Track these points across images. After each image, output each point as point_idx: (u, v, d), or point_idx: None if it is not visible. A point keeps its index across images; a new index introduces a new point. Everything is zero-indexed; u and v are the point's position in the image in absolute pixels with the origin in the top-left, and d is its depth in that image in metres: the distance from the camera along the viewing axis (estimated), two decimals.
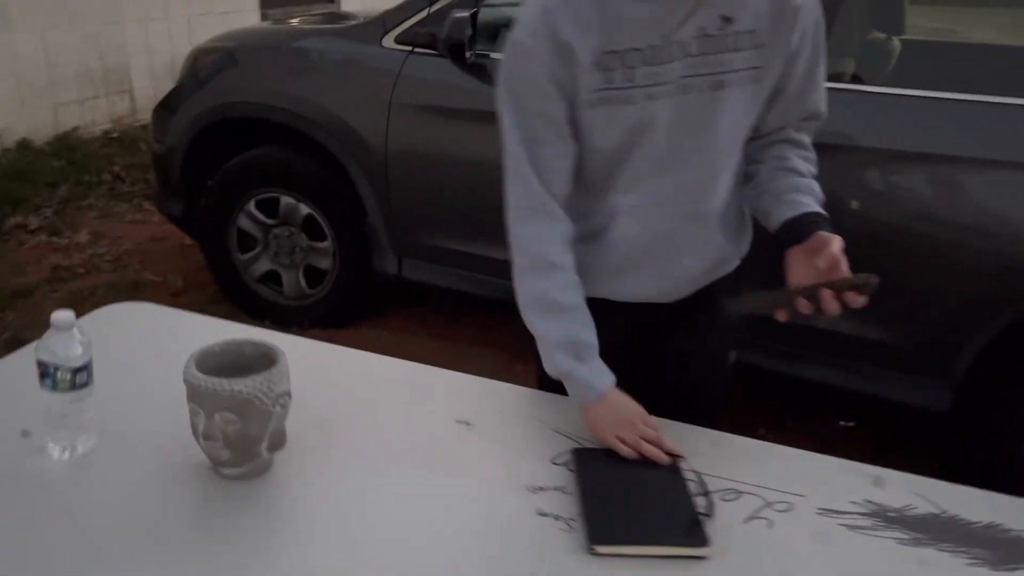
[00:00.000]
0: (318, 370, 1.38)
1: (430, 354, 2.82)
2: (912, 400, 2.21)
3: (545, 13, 1.14)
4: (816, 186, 1.30)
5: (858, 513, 1.14)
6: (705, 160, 1.26)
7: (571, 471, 1.16)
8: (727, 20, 1.16)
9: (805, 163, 1.32)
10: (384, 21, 2.72)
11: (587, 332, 1.25)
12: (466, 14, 2.43)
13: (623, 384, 1.26)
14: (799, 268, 1.21)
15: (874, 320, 2.14)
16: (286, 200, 2.93)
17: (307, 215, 2.92)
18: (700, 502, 1.12)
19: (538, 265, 1.25)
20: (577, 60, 1.14)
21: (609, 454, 1.19)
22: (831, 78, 2.06)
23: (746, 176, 1.35)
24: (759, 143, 1.34)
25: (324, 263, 2.97)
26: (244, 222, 3.01)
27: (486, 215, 2.64)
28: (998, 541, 1.09)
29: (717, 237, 1.35)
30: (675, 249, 1.32)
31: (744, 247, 1.43)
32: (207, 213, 3.05)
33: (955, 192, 2.07)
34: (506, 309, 2.99)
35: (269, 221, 2.99)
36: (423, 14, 2.63)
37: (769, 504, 1.14)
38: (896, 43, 2.80)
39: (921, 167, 2.09)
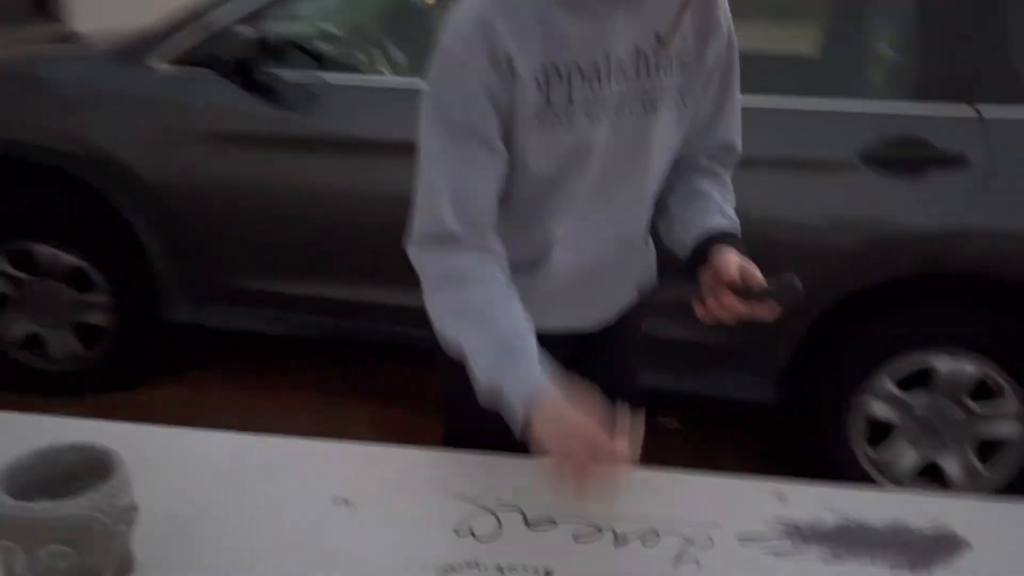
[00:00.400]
0: (149, 464, 1.14)
1: (244, 411, 2.56)
2: (740, 395, 2.29)
3: (482, 23, 1.03)
4: (728, 209, 1.24)
5: (775, 536, 1.10)
6: (636, 186, 1.20)
7: None
8: (659, 39, 1.10)
9: (719, 189, 1.26)
10: (147, 40, 2.41)
11: (516, 326, 1.10)
12: (251, 31, 2.20)
13: None
14: (711, 288, 1.15)
15: (696, 321, 2.19)
16: (41, 250, 2.51)
17: (70, 264, 2.53)
18: None
19: (449, 278, 1.12)
20: (517, 75, 1.05)
21: None
22: None
23: (658, 208, 1.28)
24: (672, 173, 1.26)
25: (98, 318, 2.59)
26: None
27: (292, 248, 2.46)
28: (907, 543, 1.10)
29: (643, 262, 1.34)
30: (609, 276, 1.28)
31: (652, 270, 1.39)
32: None
33: (764, 193, 2.15)
34: (323, 350, 2.79)
35: (22, 275, 2.56)
36: (197, 31, 2.35)
37: (690, 541, 1.07)
38: None
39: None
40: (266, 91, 2.33)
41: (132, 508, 0.87)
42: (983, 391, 2.19)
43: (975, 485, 2.25)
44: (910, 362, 2.20)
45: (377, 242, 2.36)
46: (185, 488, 1.10)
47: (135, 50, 2.41)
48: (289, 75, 2.35)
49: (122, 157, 2.37)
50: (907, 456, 2.28)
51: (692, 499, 1.16)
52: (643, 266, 1.35)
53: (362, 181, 2.34)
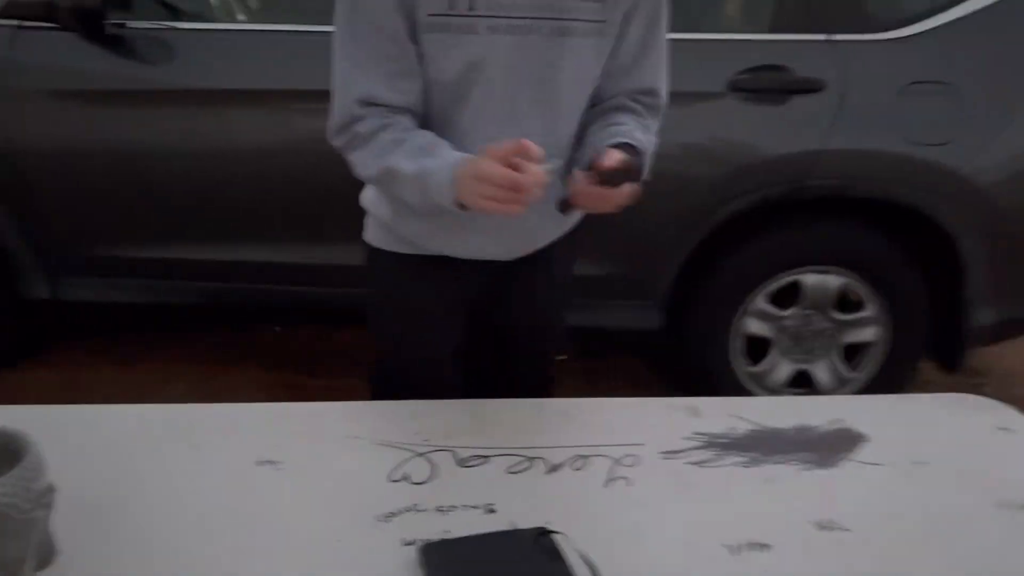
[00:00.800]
0: (55, 445, 1.06)
1: (119, 386, 2.42)
2: (629, 324, 2.36)
3: None
4: (638, 134, 1.22)
5: (694, 448, 1.15)
6: (548, 113, 1.18)
7: (421, 573, 0.89)
8: None
9: (635, 121, 1.25)
10: None
11: (430, 137, 1.15)
12: None
13: (467, 346, 1.23)
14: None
15: (584, 255, 2.24)
16: None
17: None
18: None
19: (366, 137, 1.14)
20: None
21: (465, 546, 0.92)
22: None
23: (577, 145, 1.27)
24: (592, 111, 1.26)
25: None
26: None
27: (156, 211, 2.31)
28: (813, 440, 1.18)
29: (560, 195, 1.29)
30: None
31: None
32: None
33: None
34: (197, 315, 2.65)
35: None
36: None
37: (617, 461, 1.11)
38: None
39: None
40: (113, 43, 2.16)
41: (49, 491, 0.81)
42: (846, 302, 2.36)
43: (842, 389, 2.43)
44: (780, 280, 2.33)
45: (244, 199, 2.27)
46: (99, 467, 1.04)
47: None
48: (137, 24, 2.19)
49: None
50: (782, 367, 2.43)
51: (612, 423, 1.20)
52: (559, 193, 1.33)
53: (224, 135, 2.22)
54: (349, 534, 0.95)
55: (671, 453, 1.13)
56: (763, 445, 1.16)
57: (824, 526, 1.00)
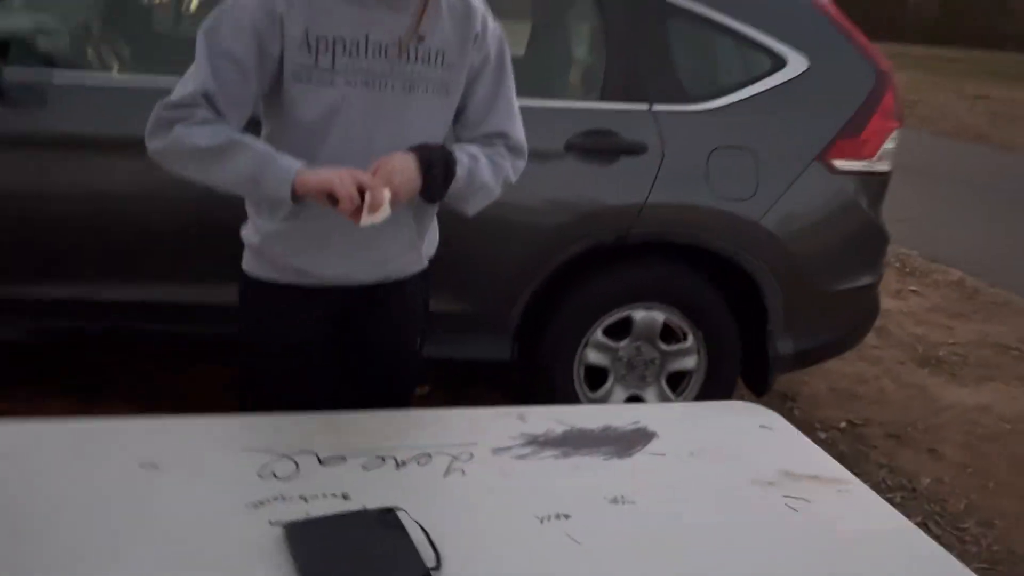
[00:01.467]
0: None
1: None
2: (483, 355, 2.61)
3: None
4: (472, 148, 1.49)
5: (519, 445, 1.40)
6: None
7: (286, 547, 1.06)
8: (421, 38, 1.40)
9: (482, 148, 1.51)
10: None
11: (264, 144, 1.37)
12: None
13: (320, 374, 1.42)
14: None
15: (442, 293, 2.48)
16: None
17: None
18: (428, 556, 1.07)
19: (203, 120, 1.35)
20: (287, 34, 1.34)
21: (323, 524, 1.11)
22: None
23: None
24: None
25: None
26: None
27: (21, 250, 2.38)
28: (615, 437, 1.45)
29: (409, 225, 1.53)
30: (367, 230, 1.37)
31: (432, 248, 1.64)
32: None
33: None
34: (64, 347, 2.70)
35: None
36: None
37: (455, 458, 1.34)
38: None
39: None
40: None
41: None
42: (669, 333, 2.70)
43: None
44: (615, 315, 2.65)
45: (107, 240, 2.39)
46: None
47: None
48: (11, 71, 2.29)
49: None
50: (617, 393, 2.73)
51: (452, 428, 1.44)
52: (415, 233, 1.56)
53: (90, 179, 2.34)
54: (224, 519, 1.13)
55: (499, 450, 1.38)
56: (574, 441, 1.42)
57: (616, 500, 1.26)
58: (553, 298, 2.62)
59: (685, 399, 2.75)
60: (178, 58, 3.76)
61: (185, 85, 1.36)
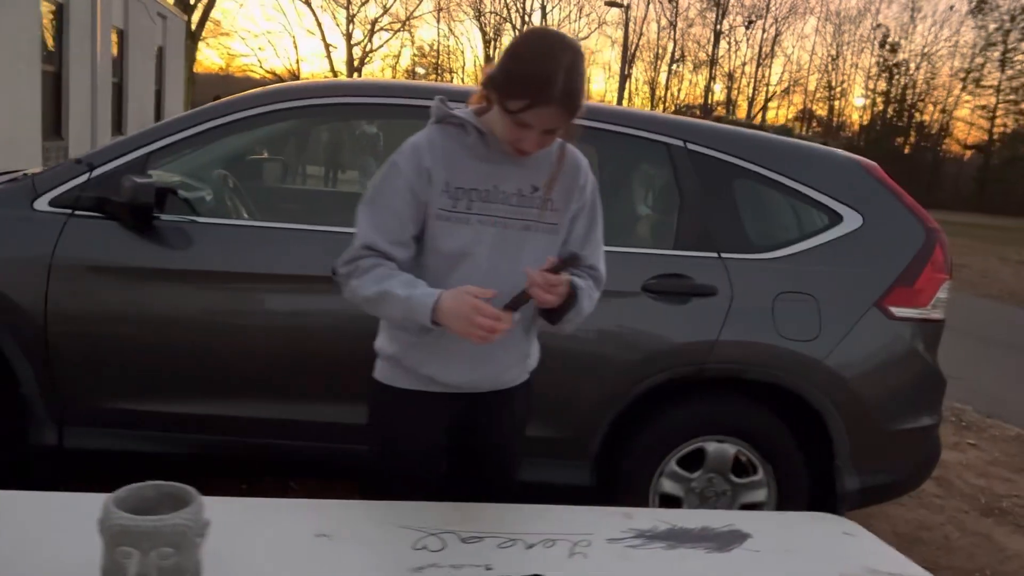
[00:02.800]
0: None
1: None
2: (564, 480, 2.79)
3: (415, 148, 1.70)
4: (586, 279, 1.80)
5: (629, 537, 1.58)
6: (515, 280, 1.66)
7: None
8: (535, 188, 1.73)
9: (584, 282, 1.81)
10: (34, 185, 2.63)
11: (412, 278, 1.68)
12: (148, 180, 2.52)
13: (436, 473, 1.69)
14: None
15: (532, 421, 2.71)
16: None
17: None
18: None
19: (365, 269, 1.68)
20: (433, 183, 1.68)
21: None
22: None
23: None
24: None
25: None
26: None
27: (165, 369, 2.67)
28: (712, 536, 1.62)
29: (521, 341, 1.83)
30: (495, 346, 1.67)
31: (535, 362, 1.93)
32: None
33: None
34: (190, 464, 2.95)
35: None
36: (83, 178, 2.62)
37: (576, 544, 1.53)
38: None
39: None
40: (145, 230, 2.62)
41: (207, 523, 1.19)
42: (740, 467, 2.86)
43: None
44: (688, 446, 2.83)
45: (240, 362, 2.67)
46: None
47: (19, 194, 2.62)
48: (166, 217, 2.67)
49: (2, 289, 2.53)
50: None
51: (569, 521, 1.63)
52: (525, 345, 1.86)
53: (230, 307, 2.66)
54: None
55: (613, 540, 1.56)
56: (678, 537, 1.60)
57: None
58: (631, 429, 2.81)
59: None
60: (291, 207, 4.25)
61: (353, 242, 1.71)
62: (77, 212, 2.61)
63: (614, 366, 2.74)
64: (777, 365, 2.77)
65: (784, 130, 4.22)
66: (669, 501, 2.85)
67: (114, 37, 14.42)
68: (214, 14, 32.99)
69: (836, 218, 2.90)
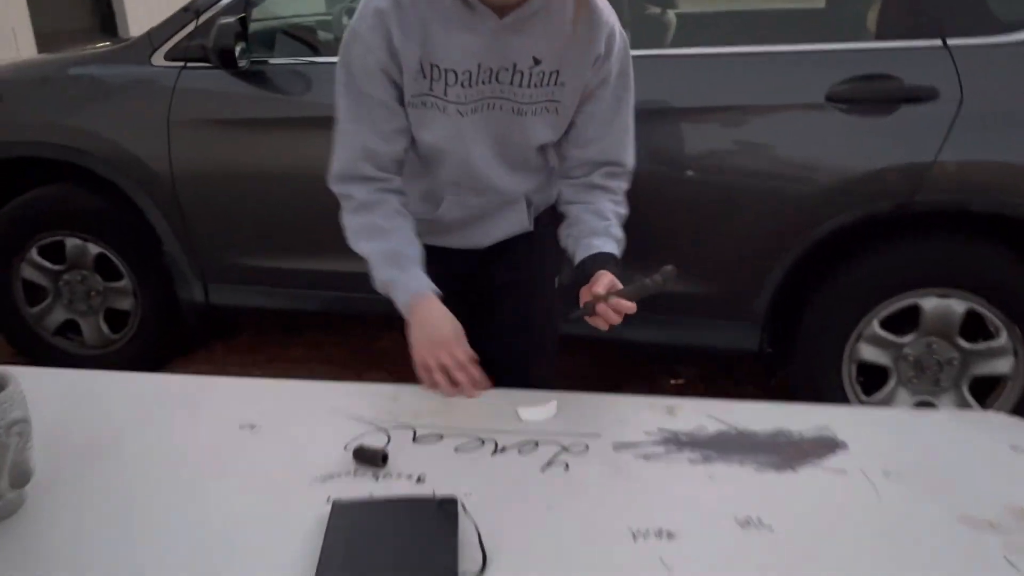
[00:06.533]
0: (75, 400, 1.26)
1: None
2: (727, 344, 2.29)
3: (378, 13, 1.29)
4: (615, 228, 1.43)
5: (651, 443, 1.14)
6: (510, 167, 1.45)
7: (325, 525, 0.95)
8: (536, 61, 1.31)
9: (613, 205, 1.45)
10: (151, 39, 2.57)
11: (409, 247, 1.40)
12: (232, 19, 2.32)
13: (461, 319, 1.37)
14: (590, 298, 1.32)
15: (684, 275, 2.22)
16: (72, 242, 2.71)
17: (98, 255, 2.71)
18: (474, 558, 0.90)
19: (362, 205, 1.40)
20: (403, 66, 1.32)
21: (372, 507, 0.98)
22: None
23: (563, 216, 1.50)
24: (571, 186, 1.48)
25: (126, 304, 2.77)
26: (29, 272, 2.77)
27: (290, 226, 2.57)
28: (782, 445, 1.12)
29: (523, 215, 1.54)
30: (490, 221, 1.53)
31: (552, 194, 1.59)
32: None
33: (737, 140, 2.16)
34: (329, 321, 2.89)
35: (56, 267, 2.76)
36: (191, 27, 2.50)
37: (565, 448, 1.13)
38: (671, 16, 2.92)
39: (703, 120, 2.17)
40: (255, 77, 2.45)
41: (22, 421, 0.98)
42: (976, 328, 2.15)
43: None
44: (896, 304, 2.17)
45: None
46: (101, 419, 1.21)
47: (139, 50, 2.57)
48: (276, 61, 2.47)
49: (131, 150, 2.53)
50: (901, 397, 2.24)
51: (585, 416, 1.21)
52: (528, 216, 1.55)
53: None
54: (290, 490, 1.04)
55: (623, 445, 1.13)
56: (725, 445, 1.12)
57: (746, 523, 0.96)
58: (813, 281, 2.21)
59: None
60: None
61: (343, 148, 1.40)
62: (189, 64, 2.51)
63: (788, 203, 2.13)
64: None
65: None
66: (873, 372, 2.24)
67: None
68: None
69: None
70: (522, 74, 1.32)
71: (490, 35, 1.29)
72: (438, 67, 1.31)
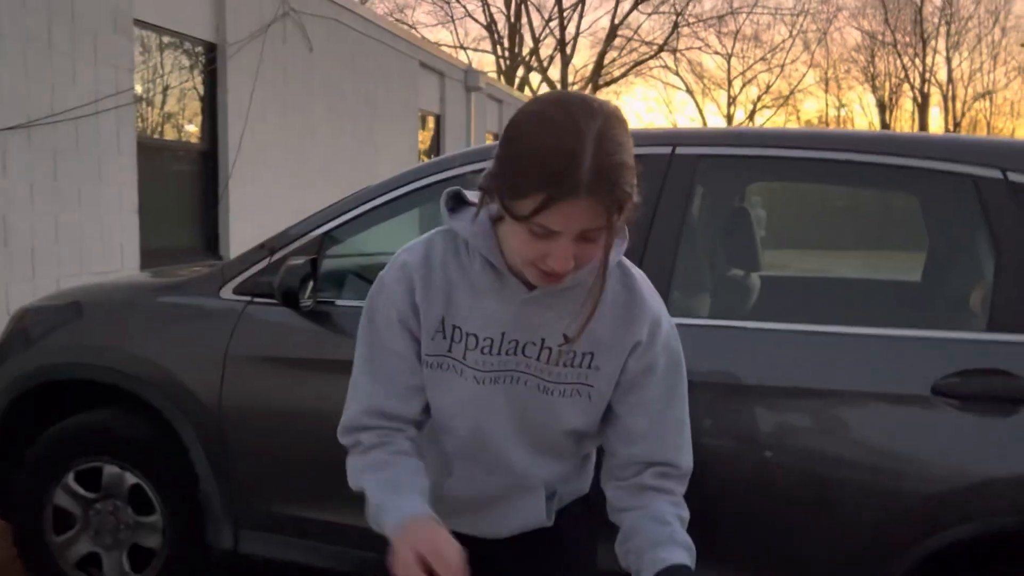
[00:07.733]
0: None
1: None
2: None
3: (405, 267, 1.27)
4: (679, 532, 1.26)
5: None
6: (532, 449, 1.30)
7: None
8: (566, 339, 1.22)
9: (673, 508, 1.28)
10: (223, 272, 2.57)
11: (412, 476, 1.25)
12: (301, 261, 2.30)
13: None
14: None
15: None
16: (109, 470, 2.58)
17: (133, 485, 2.57)
18: None
19: (370, 447, 1.29)
20: (422, 322, 1.26)
21: None
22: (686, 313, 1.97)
23: (617, 524, 1.32)
24: (620, 488, 1.31)
25: (152, 541, 2.57)
26: (62, 498, 2.63)
27: (337, 476, 2.39)
28: None
29: (539, 505, 1.36)
30: (501, 508, 1.36)
31: (584, 486, 1.44)
32: (22, 488, 2.66)
33: (844, 429, 1.93)
34: None
35: (90, 495, 2.62)
36: (263, 263, 2.49)
37: None
38: (755, 279, 2.80)
39: (795, 402, 1.96)
40: (319, 317, 2.39)
41: None
42: None
43: None
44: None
45: None
46: None
47: (210, 282, 2.57)
48: (344, 303, 2.42)
49: (183, 381, 2.46)
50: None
51: None
52: (548, 510, 1.37)
53: None
54: None
55: None
56: None
57: None
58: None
59: None
60: None
61: (355, 402, 1.32)
62: (256, 299, 2.47)
63: (883, 512, 1.84)
64: None
65: None
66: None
67: (489, 139, 15.74)
68: None
69: None
70: (550, 351, 1.24)
71: (518, 305, 1.23)
72: (459, 328, 1.26)
